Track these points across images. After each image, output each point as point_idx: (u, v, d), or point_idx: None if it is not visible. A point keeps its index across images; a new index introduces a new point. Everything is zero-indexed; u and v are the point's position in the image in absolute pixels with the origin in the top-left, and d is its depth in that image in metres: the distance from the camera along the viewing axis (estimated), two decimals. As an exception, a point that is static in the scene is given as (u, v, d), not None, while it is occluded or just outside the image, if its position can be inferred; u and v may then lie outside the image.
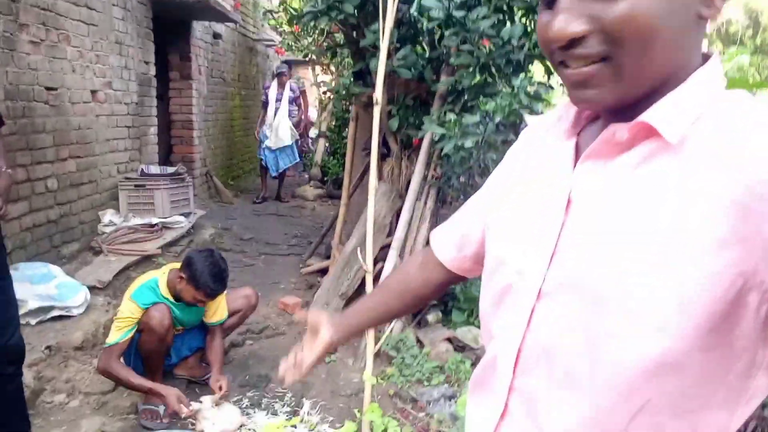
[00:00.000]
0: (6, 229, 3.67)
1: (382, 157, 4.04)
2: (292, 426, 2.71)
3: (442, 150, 3.32)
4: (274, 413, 2.87)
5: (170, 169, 5.37)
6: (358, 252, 3.07)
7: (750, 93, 0.66)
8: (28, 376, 2.66)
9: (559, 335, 0.68)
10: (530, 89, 2.89)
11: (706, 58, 0.67)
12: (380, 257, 3.75)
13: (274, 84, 7.42)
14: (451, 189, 3.85)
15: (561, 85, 0.77)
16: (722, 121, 0.61)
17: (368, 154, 3.74)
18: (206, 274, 2.66)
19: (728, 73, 2.70)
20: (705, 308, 0.58)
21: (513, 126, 3.02)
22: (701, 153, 0.60)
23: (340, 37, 4.76)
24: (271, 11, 8.36)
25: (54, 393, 2.80)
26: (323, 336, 1.10)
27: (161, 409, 2.70)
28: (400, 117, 3.73)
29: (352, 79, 4.00)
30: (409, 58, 3.36)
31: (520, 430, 0.74)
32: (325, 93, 8.58)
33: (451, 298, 3.85)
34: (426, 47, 3.68)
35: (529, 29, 3.17)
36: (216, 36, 7.54)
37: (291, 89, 7.46)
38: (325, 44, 5.94)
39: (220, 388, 2.75)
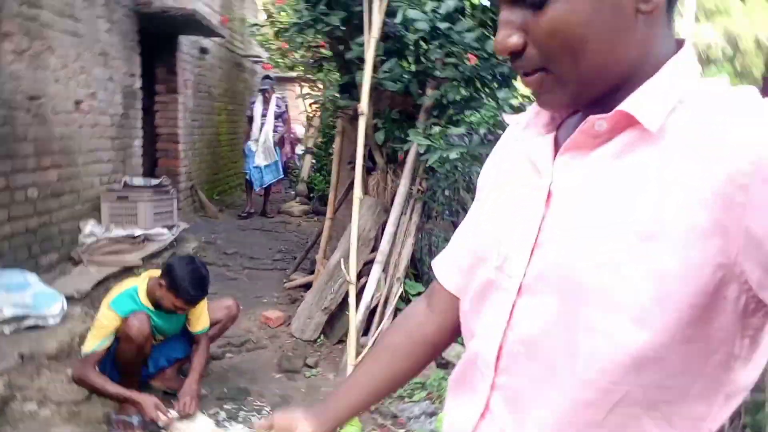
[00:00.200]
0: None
1: (368, 170, 4.04)
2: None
3: (427, 164, 3.32)
4: (251, 427, 2.82)
5: (154, 181, 5.33)
6: (341, 263, 3.04)
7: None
8: (-1, 385, 2.59)
9: (540, 330, 0.67)
10: (514, 102, 2.91)
11: (680, 44, 0.67)
12: (364, 272, 3.72)
13: (260, 99, 7.43)
14: (437, 203, 3.86)
15: None
16: (702, 111, 0.60)
17: (354, 168, 3.75)
18: (187, 281, 2.62)
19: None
20: (685, 301, 0.58)
21: (498, 139, 3.03)
22: (681, 143, 0.60)
23: (327, 53, 4.79)
24: (257, 24, 8.39)
25: (25, 401, 2.73)
26: None
27: (135, 420, 2.64)
28: (386, 130, 3.74)
29: (338, 93, 4.00)
30: (395, 71, 3.38)
31: (501, 427, 0.73)
32: (311, 105, 8.60)
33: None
34: (412, 61, 3.71)
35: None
36: (203, 51, 7.55)
37: (277, 105, 7.47)
38: (311, 59, 5.97)
39: (185, 405, 2.61)
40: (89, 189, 4.86)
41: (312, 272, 4.68)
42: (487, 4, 3.10)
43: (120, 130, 5.38)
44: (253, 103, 7.53)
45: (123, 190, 4.99)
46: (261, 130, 7.35)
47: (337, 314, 3.85)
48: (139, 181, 5.28)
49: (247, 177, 7.56)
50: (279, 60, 8.46)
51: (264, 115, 7.36)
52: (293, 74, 8.77)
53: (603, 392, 0.62)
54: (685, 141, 0.59)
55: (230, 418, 2.88)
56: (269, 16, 7.85)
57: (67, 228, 4.52)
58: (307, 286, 4.47)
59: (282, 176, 7.99)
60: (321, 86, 7.85)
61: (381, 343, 0.98)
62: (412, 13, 2.94)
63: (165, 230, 5.09)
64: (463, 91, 3.35)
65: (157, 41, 6.37)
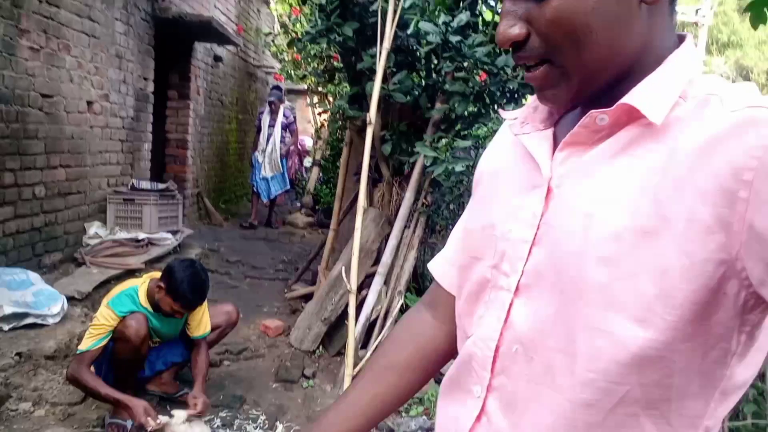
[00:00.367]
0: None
1: (374, 182, 4.03)
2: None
3: (432, 176, 3.31)
4: (247, 435, 2.79)
5: (161, 185, 5.34)
6: (343, 272, 3.02)
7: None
8: (-6, 381, 2.58)
9: (539, 330, 0.66)
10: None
11: (682, 39, 0.67)
12: (366, 284, 3.70)
13: (267, 110, 7.45)
14: (440, 218, 3.84)
15: None
16: (704, 106, 0.60)
17: (359, 180, 3.75)
18: (185, 285, 2.61)
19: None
20: (688, 298, 0.57)
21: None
22: (683, 138, 0.59)
23: (339, 65, 4.81)
24: (271, 33, 8.46)
25: (20, 401, 2.71)
26: None
27: (128, 423, 2.61)
28: (393, 142, 3.74)
29: (347, 104, 4.02)
30: (405, 83, 3.39)
31: (497, 430, 0.71)
32: (319, 114, 8.64)
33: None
34: (422, 75, 3.72)
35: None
36: (217, 59, 7.61)
37: (284, 115, 7.47)
38: (323, 70, 6.01)
39: (196, 405, 2.65)
40: (96, 190, 4.88)
41: (314, 283, 4.66)
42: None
43: (130, 132, 5.41)
44: (262, 113, 7.56)
45: (129, 193, 5.00)
46: (268, 141, 7.36)
47: (336, 326, 3.82)
48: (145, 184, 5.29)
49: (254, 188, 7.56)
50: (291, 71, 8.52)
51: (272, 126, 7.37)
52: (304, 86, 8.82)
53: (603, 392, 0.61)
54: (687, 136, 0.59)
55: (225, 425, 2.85)
56: (284, 27, 7.91)
57: (72, 228, 4.54)
58: (308, 297, 4.45)
59: (288, 187, 7.99)
60: (331, 99, 7.90)
61: (383, 360, 0.91)
62: (425, 26, 2.95)
63: (169, 235, 5.09)
64: (472, 107, 3.35)
65: (172, 47, 6.43)
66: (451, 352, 0.87)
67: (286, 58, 8.49)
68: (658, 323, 0.57)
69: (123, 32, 5.13)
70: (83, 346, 2.59)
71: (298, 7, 7.33)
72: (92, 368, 2.62)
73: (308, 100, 8.55)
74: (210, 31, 6.20)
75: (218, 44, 7.38)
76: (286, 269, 5.74)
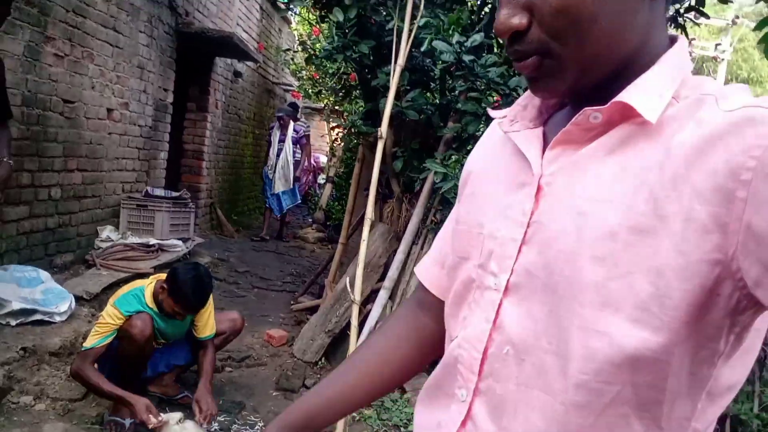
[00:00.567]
0: (2, 230, 3.68)
1: (384, 198, 4.07)
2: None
3: (441, 192, 3.34)
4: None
5: (174, 193, 5.41)
6: (348, 284, 3.04)
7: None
8: (-2, 374, 2.61)
9: (531, 331, 0.64)
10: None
11: (674, 40, 0.67)
12: (371, 299, 3.71)
13: (276, 125, 7.54)
14: (449, 236, 3.85)
15: None
16: (699, 106, 0.59)
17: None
18: (187, 287, 2.64)
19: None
20: (684, 298, 0.56)
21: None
22: (681, 138, 0.58)
23: (355, 83, 4.89)
24: (290, 49, 8.61)
25: (21, 394, 2.74)
26: None
27: (127, 422, 2.63)
28: (404, 159, 3.78)
29: (361, 119, 4.07)
30: (418, 101, 3.43)
31: None
32: (332, 129, 8.73)
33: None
34: (436, 94, 3.77)
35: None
36: (237, 74, 7.75)
37: (295, 130, 7.54)
38: (339, 87, 6.10)
39: (200, 409, 2.64)
40: (111, 195, 4.96)
41: (320, 297, 4.68)
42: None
43: (147, 141, 5.51)
44: (272, 128, 7.66)
45: (143, 199, 5.07)
46: (278, 156, 7.44)
47: (341, 339, 3.82)
48: (159, 191, 5.37)
49: (267, 203, 7.64)
50: (309, 90, 8.64)
51: (282, 141, 7.45)
52: (321, 104, 8.94)
53: (596, 394, 0.60)
54: (683, 136, 0.58)
55: (222, 430, 2.85)
56: (303, 44, 8.05)
57: (85, 231, 4.61)
58: (314, 310, 4.46)
59: (299, 201, 8.05)
60: (347, 117, 7.99)
61: (366, 350, 0.93)
62: (439, 44, 3.01)
63: (179, 242, 5.14)
64: (484, 127, 3.39)
65: (193, 61, 6.57)
66: (432, 348, 0.89)
67: (305, 76, 8.62)
68: (653, 323, 0.56)
69: (146, 44, 5.26)
70: (88, 344, 2.62)
71: (317, 27, 7.47)
72: (96, 366, 2.65)
73: (325, 116, 8.63)
74: (230, 47, 6.33)
75: (238, 60, 7.52)
76: (293, 282, 5.77)
